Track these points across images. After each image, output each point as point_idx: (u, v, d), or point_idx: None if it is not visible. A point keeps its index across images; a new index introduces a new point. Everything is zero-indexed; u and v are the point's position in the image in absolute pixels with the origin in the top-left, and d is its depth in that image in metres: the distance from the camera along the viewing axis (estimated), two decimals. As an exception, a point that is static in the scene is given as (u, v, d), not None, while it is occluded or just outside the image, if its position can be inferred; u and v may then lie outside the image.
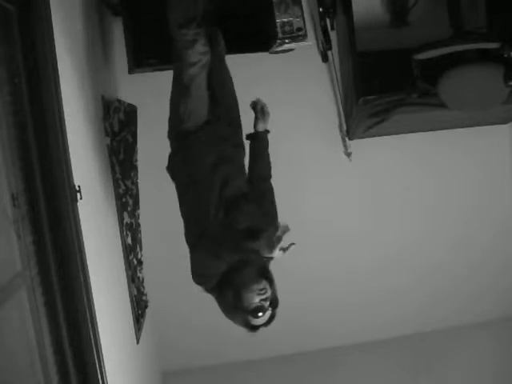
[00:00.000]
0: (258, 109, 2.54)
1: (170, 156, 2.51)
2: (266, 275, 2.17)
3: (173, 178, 2.48)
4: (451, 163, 4.28)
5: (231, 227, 2.18)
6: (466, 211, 4.34)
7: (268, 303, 2.13)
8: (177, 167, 2.45)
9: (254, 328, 2.15)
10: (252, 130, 2.56)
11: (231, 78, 2.60)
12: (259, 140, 2.56)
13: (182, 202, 2.39)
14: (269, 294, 2.14)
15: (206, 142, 2.36)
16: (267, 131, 2.58)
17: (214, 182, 2.27)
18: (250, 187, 2.45)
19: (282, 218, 4.14)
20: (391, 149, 4.14)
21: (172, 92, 2.46)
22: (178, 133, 2.44)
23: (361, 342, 4.24)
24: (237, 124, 2.55)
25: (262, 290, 2.12)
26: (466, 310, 4.36)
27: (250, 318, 2.12)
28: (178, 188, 2.44)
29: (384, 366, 4.13)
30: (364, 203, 4.22)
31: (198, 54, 2.35)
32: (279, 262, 2.04)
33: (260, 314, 2.10)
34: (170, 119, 2.49)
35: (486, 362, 4.15)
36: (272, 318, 2.17)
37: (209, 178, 2.28)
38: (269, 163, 2.58)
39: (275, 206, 2.54)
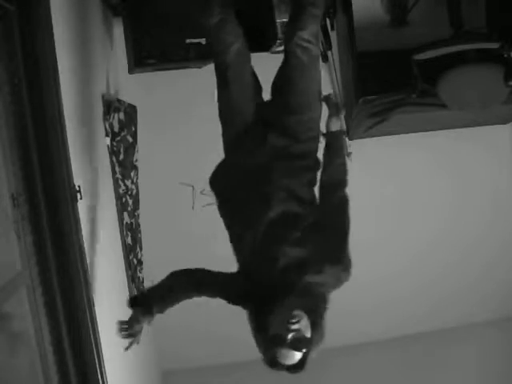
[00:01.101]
0: (331, 103, 2.20)
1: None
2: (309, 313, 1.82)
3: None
4: (450, 164, 4.28)
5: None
6: (464, 212, 4.35)
7: (294, 340, 1.74)
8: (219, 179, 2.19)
9: (274, 363, 1.83)
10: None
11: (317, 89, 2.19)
12: (332, 142, 2.17)
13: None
14: (300, 326, 1.76)
15: (248, 154, 2.09)
16: (342, 131, 2.23)
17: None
18: (319, 202, 2.12)
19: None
20: (391, 149, 4.14)
21: (217, 85, 2.20)
22: (225, 137, 2.19)
23: (362, 343, 4.24)
24: (296, 132, 2.13)
25: (293, 317, 1.75)
26: (466, 311, 4.35)
27: (272, 347, 1.79)
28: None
29: (386, 366, 4.12)
30: (365, 204, 4.21)
31: (227, 35, 2.10)
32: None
33: (279, 347, 1.76)
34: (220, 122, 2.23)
35: (488, 362, 4.15)
36: (299, 365, 1.82)
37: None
38: (343, 169, 2.17)
39: (344, 231, 2.05)
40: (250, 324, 1.92)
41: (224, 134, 2.21)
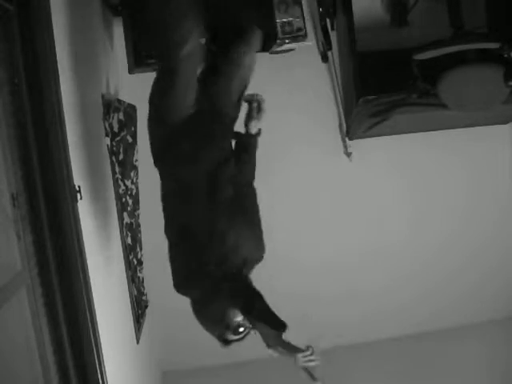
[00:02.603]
0: (254, 106, 2.31)
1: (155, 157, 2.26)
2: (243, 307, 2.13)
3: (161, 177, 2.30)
4: (450, 163, 4.28)
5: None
6: (470, 215, 4.34)
7: (234, 330, 2.12)
8: (165, 169, 2.24)
9: (228, 342, 2.16)
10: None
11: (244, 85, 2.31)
12: (250, 143, 2.34)
13: (168, 199, 2.27)
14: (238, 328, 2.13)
15: (192, 139, 2.14)
16: (258, 134, 2.35)
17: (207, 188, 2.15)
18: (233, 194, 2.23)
19: (286, 223, 4.13)
20: (391, 150, 4.14)
21: (155, 84, 2.17)
22: (163, 129, 2.18)
23: (364, 342, 4.23)
24: (224, 122, 2.26)
25: (233, 326, 2.12)
26: (454, 312, 4.34)
27: (228, 333, 2.12)
28: (164, 183, 2.27)
29: (391, 365, 4.10)
30: (364, 204, 4.22)
31: (187, 30, 2.05)
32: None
33: (241, 329, 2.11)
34: (152, 117, 2.21)
35: (493, 361, 4.13)
36: (247, 334, 2.15)
37: (202, 185, 2.14)
38: (254, 166, 2.38)
39: (259, 216, 2.33)
40: (202, 316, 2.21)
41: (162, 121, 2.21)
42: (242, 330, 2.10)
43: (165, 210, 2.27)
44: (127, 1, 3.13)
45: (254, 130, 2.36)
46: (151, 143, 2.25)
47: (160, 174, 2.26)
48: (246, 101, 2.34)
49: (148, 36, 2.82)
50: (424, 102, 3.28)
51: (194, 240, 2.17)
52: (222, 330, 2.13)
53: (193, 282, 2.22)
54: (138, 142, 3.33)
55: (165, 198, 2.28)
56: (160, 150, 2.22)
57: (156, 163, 2.25)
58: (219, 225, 2.14)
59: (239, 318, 2.10)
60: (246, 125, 2.36)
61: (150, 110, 2.22)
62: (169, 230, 2.28)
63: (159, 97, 2.15)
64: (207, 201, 2.14)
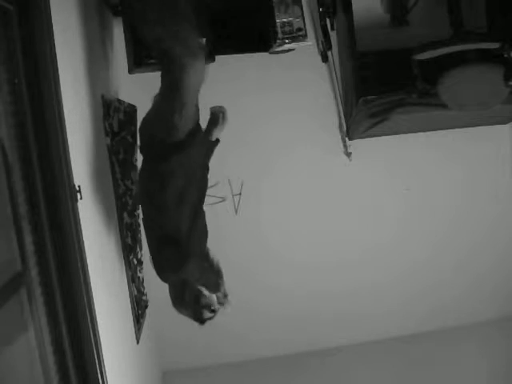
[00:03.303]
0: (220, 116, 2.52)
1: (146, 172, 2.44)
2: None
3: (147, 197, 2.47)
4: (450, 163, 4.28)
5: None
6: (467, 214, 4.34)
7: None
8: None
9: (204, 321, 2.37)
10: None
11: None
12: (211, 149, 2.56)
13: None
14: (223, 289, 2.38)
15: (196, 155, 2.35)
16: (217, 142, 2.58)
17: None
18: None
19: (286, 222, 4.13)
20: (391, 150, 4.14)
21: (161, 101, 2.30)
22: (164, 144, 2.32)
23: (362, 342, 4.24)
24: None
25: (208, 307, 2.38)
26: (453, 312, 4.34)
27: (204, 311, 2.34)
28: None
29: (389, 366, 4.10)
30: (363, 203, 4.22)
31: (196, 48, 2.20)
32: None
33: (213, 307, 2.34)
34: (153, 131, 2.36)
35: (490, 362, 4.12)
36: (217, 311, 2.39)
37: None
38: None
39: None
40: (179, 298, 2.42)
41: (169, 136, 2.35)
42: (213, 307, 2.34)
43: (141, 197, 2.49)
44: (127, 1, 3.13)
45: (213, 137, 2.58)
46: (144, 140, 2.43)
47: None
48: (212, 113, 2.56)
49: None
50: (424, 102, 3.29)
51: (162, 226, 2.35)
52: (198, 309, 2.34)
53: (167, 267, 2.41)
54: (138, 142, 3.33)
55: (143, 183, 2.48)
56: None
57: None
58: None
59: (213, 296, 2.34)
60: (209, 131, 2.56)
61: (153, 110, 2.33)
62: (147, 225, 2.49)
63: (170, 110, 2.24)
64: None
